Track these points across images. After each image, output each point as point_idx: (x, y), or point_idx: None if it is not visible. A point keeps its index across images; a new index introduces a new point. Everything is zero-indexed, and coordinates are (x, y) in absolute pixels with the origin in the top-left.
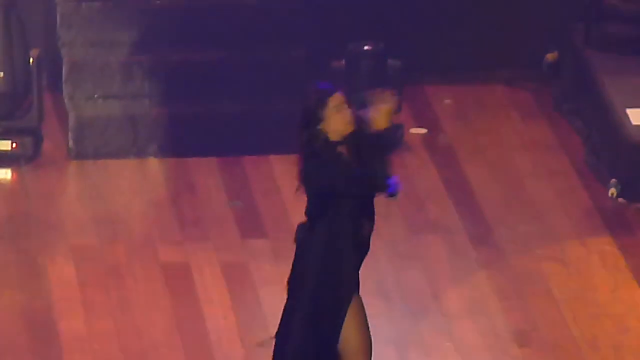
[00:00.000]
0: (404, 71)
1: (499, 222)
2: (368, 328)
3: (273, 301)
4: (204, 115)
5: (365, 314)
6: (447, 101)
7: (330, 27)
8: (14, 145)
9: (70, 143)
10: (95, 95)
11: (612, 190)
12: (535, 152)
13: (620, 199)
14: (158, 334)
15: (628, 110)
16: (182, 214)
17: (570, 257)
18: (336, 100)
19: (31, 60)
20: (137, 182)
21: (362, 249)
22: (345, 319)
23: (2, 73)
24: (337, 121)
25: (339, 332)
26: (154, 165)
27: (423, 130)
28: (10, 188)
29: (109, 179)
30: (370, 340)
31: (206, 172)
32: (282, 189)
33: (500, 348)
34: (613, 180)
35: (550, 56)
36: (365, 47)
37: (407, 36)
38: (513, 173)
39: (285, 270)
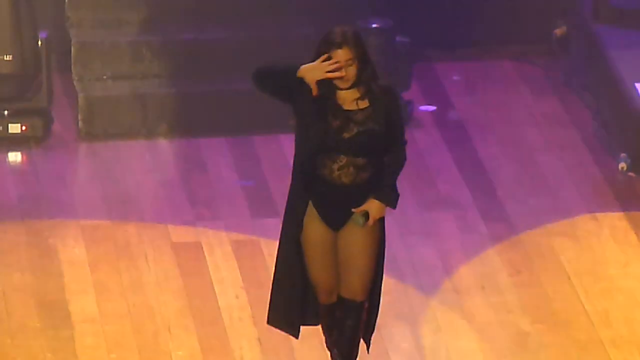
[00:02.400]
0: (412, 48)
1: (509, 197)
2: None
3: None
4: (214, 94)
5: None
6: (456, 78)
7: (339, 4)
8: (24, 127)
9: (80, 124)
10: (105, 76)
11: (622, 165)
12: (545, 127)
13: (630, 173)
14: (170, 314)
15: (637, 84)
16: (192, 194)
17: (581, 231)
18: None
19: (40, 41)
20: (147, 162)
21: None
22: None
23: (11, 55)
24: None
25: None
26: (164, 145)
27: (432, 108)
28: (20, 170)
29: (119, 159)
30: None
31: (216, 151)
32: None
33: (512, 323)
34: (623, 154)
35: (558, 31)
36: (373, 25)
37: (415, 13)
38: (523, 148)
39: None
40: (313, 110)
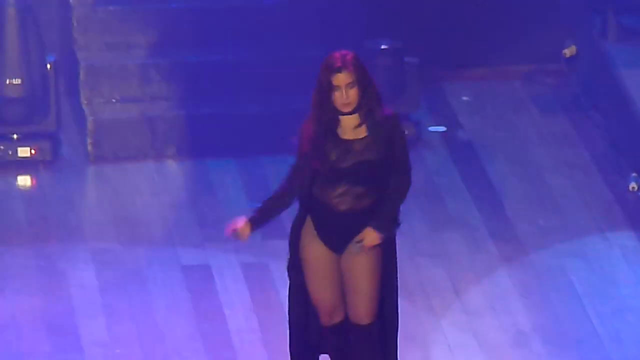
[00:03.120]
0: (421, 68)
1: (519, 217)
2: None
3: None
4: (222, 116)
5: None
6: (465, 98)
7: (347, 25)
8: (33, 151)
9: (89, 147)
10: (113, 99)
11: (633, 185)
12: (554, 147)
13: None
14: (180, 337)
15: None
16: (201, 216)
17: (591, 251)
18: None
19: (48, 65)
20: (156, 185)
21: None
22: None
23: (19, 79)
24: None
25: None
26: (173, 167)
27: (442, 128)
28: (29, 193)
29: (128, 181)
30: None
31: (225, 173)
32: None
33: (523, 344)
34: (634, 174)
35: (568, 51)
36: (383, 45)
37: (424, 33)
38: (533, 168)
39: None
40: (313, 140)
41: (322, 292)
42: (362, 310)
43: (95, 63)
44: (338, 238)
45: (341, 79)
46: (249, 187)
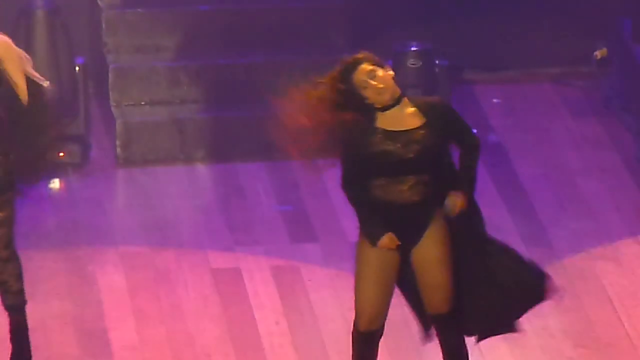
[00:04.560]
0: (451, 70)
1: (550, 220)
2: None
3: (324, 305)
4: (251, 119)
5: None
6: (496, 100)
7: (376, 27)
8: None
9: (118, 150)
10: (142, 102)
11: None
12: (586, 150)
13: None
14: (210, 341)
15: None
16: (231, 219)
17: (623, 255)
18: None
19: (77, 67)
20: (185, 188)
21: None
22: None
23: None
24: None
25: None
26: (202, 170)
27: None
28: (58, 196)
29: (157, 185)
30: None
31: (255, 176)
32: (331, 192)
33: (554, 348)
34: None
35: (599, 53)
36: (412, 47)
37: (454, 35)
38: (564, 171)
39: (336, 273)
40: (362, 144)
41: (374, 294)
42: (440, 300)
43: (124, 66)
44: (411, 231)
45: (362, 72)
46: (278, 191)
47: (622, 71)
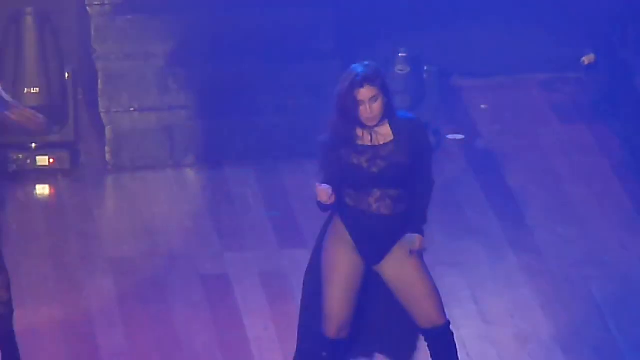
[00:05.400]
0: (440, 76)
1: (538, 226)
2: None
3: None
4: (241, 125)
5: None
6: (483, 106)
7: (365, 34)
8: (52, 160)
9: (107, 156)
10: (132, 108)
11: None
12: (573, 155)
13: None
14: (198, 347)
15: None
16: (220, 225)
17: (610, 260)
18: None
19: (66, 73)
20: (174, 194)
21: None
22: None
23: (37, 88)
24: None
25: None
26: (191, 176)
27: (460, 136)
28: (48, 202)
29: (146, 191)
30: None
31: (243, 182)
32: None
33: (542, 354)
34: None
35: (586, 58)
36: (401, 53)
37: (442, 41)
38: (552, 177)
39: None
40: (336, 156)
41: (342, 301)
42: (434, 311)
43: (113, 72)
44: (377, 246)
45: (365, 94)
46: (267, 197)
47: (610, 77)
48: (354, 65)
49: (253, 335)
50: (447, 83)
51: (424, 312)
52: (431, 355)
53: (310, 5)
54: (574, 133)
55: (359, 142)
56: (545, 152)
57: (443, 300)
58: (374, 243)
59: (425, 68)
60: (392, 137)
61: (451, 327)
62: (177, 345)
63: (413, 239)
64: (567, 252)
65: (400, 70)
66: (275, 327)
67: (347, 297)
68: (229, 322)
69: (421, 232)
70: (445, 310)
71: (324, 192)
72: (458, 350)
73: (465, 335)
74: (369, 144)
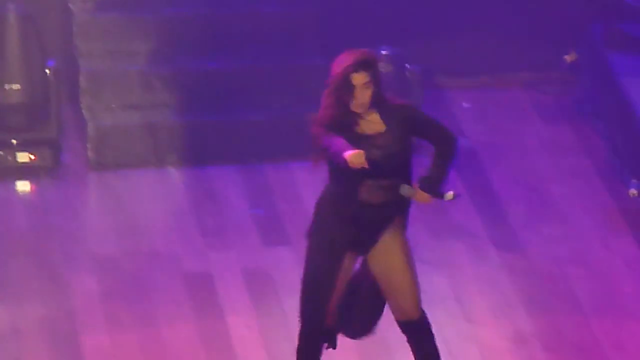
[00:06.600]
0: (423, 75)
1: (521, 225)
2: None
3: (296, 309)
4: (224, 123)
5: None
6: (466, 105)
7: (349, 33)
8: (33, 157)
9: (90, 153)
10: (114, 105)
11: (633, 191)
12: (556, 155)
13: None
14: (182, 345)
15: None
16: (203, 223)
17: (593, 259)
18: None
19: (48, 70)
20: (157, 192)
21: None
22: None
23: (19, 85)
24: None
25: None
26: (174, 174)
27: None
28: (30, 200)
29: (129, 189)
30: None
31: (227, 180)
32: (303, 195)
33: (525, 352)
34: (634, 180)
35: (568, 57)
36: (383, 52)
37: (425, 40)
38: (535, 176)
39: None
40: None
41: (333, 294)
42: (410, 304)
43: (96, 69)
44: (367, 233)
45: (359, 78)
46: (250, 195)
47: (592, 76)
48: (350, 50)
49: (236, 333)
50: (430, 82)
51: (399, 304)
52: (412, 348)
53: (294, 5)
54: (557, 132)
55: (358, 130)
56: (528, 151)
57: (427, 299)
58: (363, 229)
59: (408, 67)
60: (384, 127)
61: (428, 320)
62: (160, 344)
63: (413, 191)
64: (550, 251)
65: (383, 69)
66: (259, 325)
67: (339, 288)
68: (212, 321)
69: (433, 193)
70: (429, 309)
71: (359, 155)
72: (438, 348)
73: (448, 334)
74: (364, 132)
